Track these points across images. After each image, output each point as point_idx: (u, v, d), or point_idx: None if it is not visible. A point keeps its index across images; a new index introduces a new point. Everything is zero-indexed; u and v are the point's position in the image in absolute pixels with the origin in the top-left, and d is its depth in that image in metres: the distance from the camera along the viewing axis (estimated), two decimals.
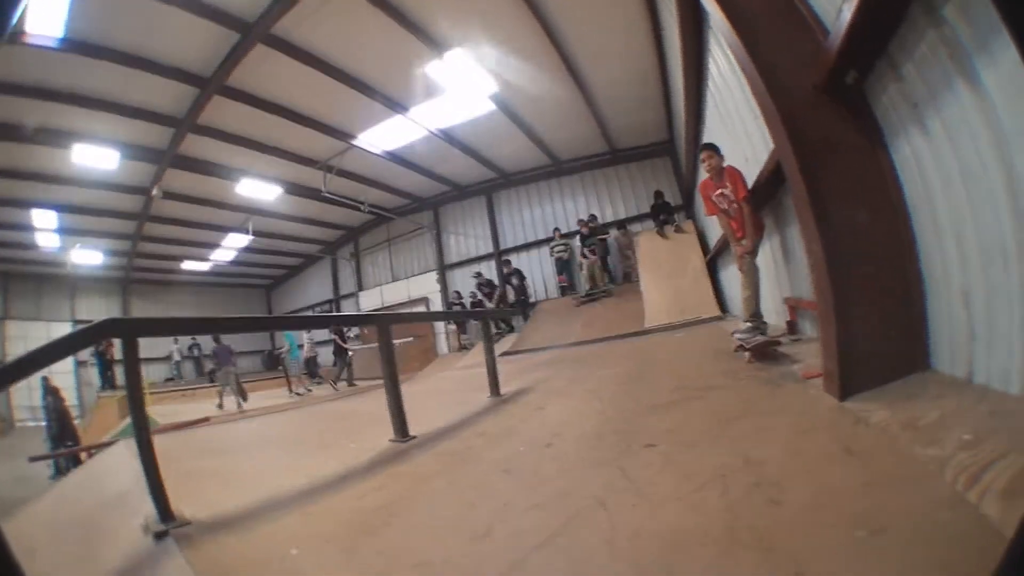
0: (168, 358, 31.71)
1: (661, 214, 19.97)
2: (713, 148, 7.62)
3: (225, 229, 27.17)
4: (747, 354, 6.67)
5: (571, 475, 3.88)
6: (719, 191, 7.49)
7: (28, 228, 22.27)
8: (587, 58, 16.14)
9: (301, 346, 22.98)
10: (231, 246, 29.46)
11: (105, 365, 24.69)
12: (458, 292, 25.27)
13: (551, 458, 4.43)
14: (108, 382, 24.48)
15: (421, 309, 28.65)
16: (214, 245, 29.18)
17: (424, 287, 29.36)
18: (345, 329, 22.63)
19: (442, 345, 27.10)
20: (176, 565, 3.21)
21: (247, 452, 7.51)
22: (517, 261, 25.75)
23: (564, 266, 23.82)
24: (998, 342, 3.22)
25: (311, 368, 23.71)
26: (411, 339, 24.42)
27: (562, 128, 21.28)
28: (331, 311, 33.82)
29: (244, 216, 25.38)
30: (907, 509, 2.42)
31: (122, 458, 6.45)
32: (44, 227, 22.41)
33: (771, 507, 2.72)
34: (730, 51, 5.99)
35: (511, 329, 22.24)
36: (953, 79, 3.19)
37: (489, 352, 8.76)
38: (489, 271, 26.48)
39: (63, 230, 22.94)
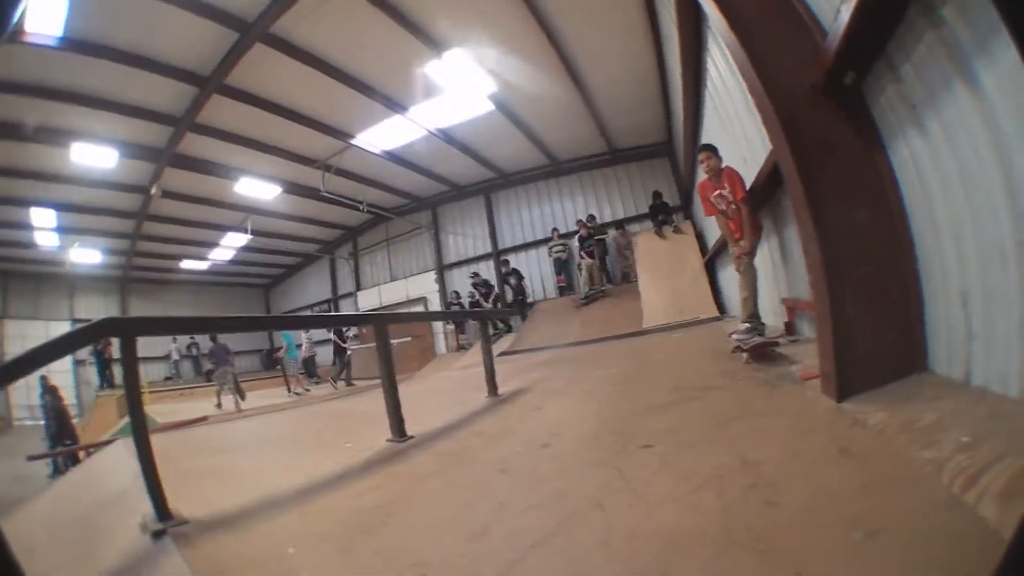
0: (167, 357, 31.68)
1: (659, 214, 20.02)
2: (711, 149, 7.63)
3: (224, 228, 27.15)
4: (745, 355, 6.68)
5: (568, 475, 3.88)
6: (717, 192, 7.50)
7: (27, 227, 22.25)
8: (586, 58, 16.14)
9: (299, 346, 22.98)
10: (230, 245, 29.44)
11: (104, 364, 24.68)
12: (456, 292, 25.25)
13: (548, 458, 4.43)
14: (107, 381, 24.47)
15: (419, 309, 28.68)
16: (213, 244, 29.15)
17: (422, 287, 29.35)
18: (344, 329, 22.60)
19: (440, 345, 27.07)
20: (174, 564, 3.21)
21: (245, 451, 7.51)
22: (515, 261, 25.70)
23: (562, 266, 23.78)
24: (996, 344, 3.22)
25: (309, 368, 23.71)
26: (409, 339, 24.39)
27: (561, 128, 21.28)
28: (329, 311, 33.79)
29: (243, 215, 25.36)
30: (904, 511, 2.42)
31: (120, 457, 6.47)
32: (43, 226, 22.39)
33: (768, 508, 2.72)
34: (728, 51, 6.00)
35: (509, 329, 22.21)
36: (952, 80, 3.18)
37: (487, 352, 8.77)
38: (488, 271, 26.47)
39: (62, 229, 22.92)
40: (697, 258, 16.98)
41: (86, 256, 26.11)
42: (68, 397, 21.48)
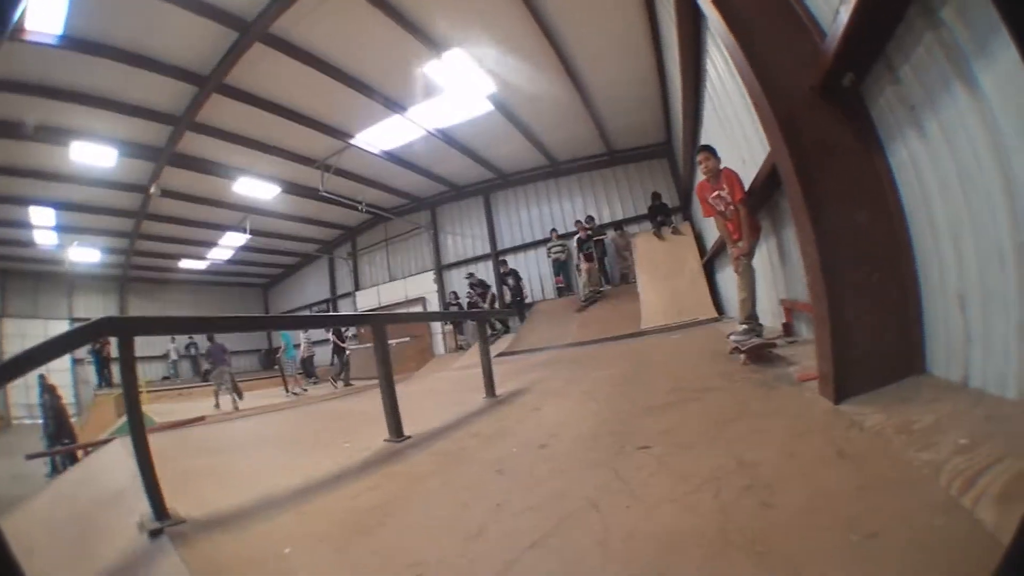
0: (165, 357, 31.72)
1: (658, 215, 20.10)
2: (710, 150, 7.64)
3: (222, 228, 27.17)
4: (742, 356, 6.68)
5: (566, 476, 3.88)
6: (716, 193, 7.50)
7: (26, 225, 22.28)
8: (585, 58, 16.15)
9: (297, 345, 23.01)
10: (228, 245, 29.47)
11: (102, 363, 24.69)
12: (455, 293, 25.27)
13: (546, 459, 4.42)
14: (105, 380, 24.47)
15: (418, 309, 28.70)
16: (211, 244, 29.17)
17: (421, 287, 29.36)
18: (343, 329, 22.60)
19: (439, 345, 27.02)
20: (171, 563, 3.21)
21: (242, 451, 7.52)
22: (514, 262, 25.72)
23: (561, 267, 23.79)
24: (994, 346, 3.21)
25: (307, 368, 23.73)
26: (408, 339, 24.40)
27: (560, 129, 21.30)
28: (328, 311, 33.81)
29: (241, 215, 25.37)
30: (901, 513, 2.41)
31: (118, 456, 6.49)
32: (42, 224, 22.42)
33: (765, 510, 2.71)
34: (727, 53, 6.00)
35: (507, 330, 22.25)
36: (951, 81, 3.18)
37: (484, 353, 8.76)
38: (486, 271, 26.55)
39: (61, 227, 22.93)
40: (696, 259, 17.01)
41: (85, 255, 26.14)
42: (66, 396, 21.47)
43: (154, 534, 3.57)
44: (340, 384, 21.15)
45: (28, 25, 11.68)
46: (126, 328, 4.15)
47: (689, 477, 3.32)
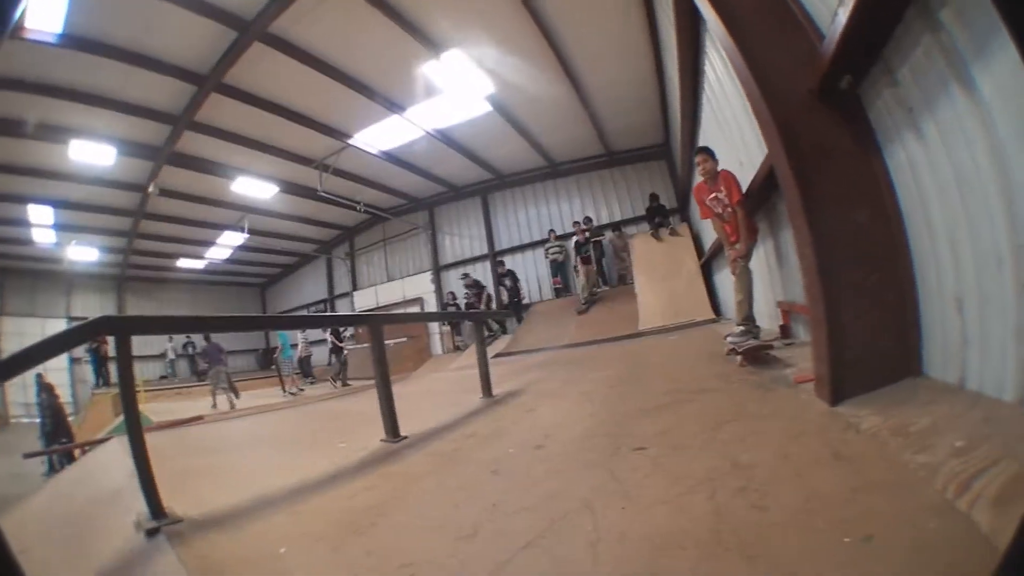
0: (162, 356, 31.73)
1: (656, 217, 20.18)
2: (708, 152, 7.64)
3: (221, 227, 27.13)
4: (739, 358, 6.69)
5: (560, 477, 3.88)
6: (713, 195, 7.50)
7: (24, 224, 22.24)
8: (584, 60, 16.14)
9: (295, 345, 23.01)
10: (226, 244, 29.42)
11: (99, 362, 24.61)
12: (452, 293, 25.18)
13: (541, 460, 4.43)
14: (102, 379, 24.42)
15: (416, 309, 28.67)
16: (209, 243, 29.13)
17: (419, 287, 29.35)
18: (341, 329, 22.59)
19: (436, 346, 26.99)
20: (167, 562, 3.22)
21: (239, 451, 7.53)
22: (512, 262, 25.72)
23: (559, 268, 23.76)
24: (991, 348, 3.22)
25: (304, 368, 23.73)
26: (405, 339, 24.44)
27: (559, 130, 21.30)
28: (326, 310, 33.75)
29: (240, 214, 25.33)
30: (896, 516, 2.41)
31: (115, 455, 6.48)
32: (40, 223, 22.38)
33: (759, 512, 2.71)
34: (725, 55, 6.01)
35: (504, 331, 22.22)
36: (949, 84, 3.18)
37: (481, 354, 8.77)
38: (484, 272, 26.56)
39: (59, 226, 22.89)
40: (693, 261, 17.03)
41: (83, 254, 26.08)
42: (64, 395, 21.44)
43: (151, 533, 3.57)
44: (339, 384, 21.12)
45: (28, 23, 11.68)
46: (123, 327, 4.16)
47: (684, 478, 3.33)
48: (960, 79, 3.08)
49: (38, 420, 19.19)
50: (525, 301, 23.96)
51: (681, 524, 2.75)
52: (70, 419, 20.02)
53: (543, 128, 21.16)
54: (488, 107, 18.26)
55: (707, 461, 3.56)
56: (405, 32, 13.79)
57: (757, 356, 6.60)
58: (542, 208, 26.30)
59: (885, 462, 2.98)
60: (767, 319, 8.57)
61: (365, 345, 17.91)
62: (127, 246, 26.97)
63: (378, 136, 19.98)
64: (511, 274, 23.66)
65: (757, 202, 7.56)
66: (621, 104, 19.28)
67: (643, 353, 10.83)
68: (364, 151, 20.85)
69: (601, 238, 22.72)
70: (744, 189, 7.26)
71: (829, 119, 4.29)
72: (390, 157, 21.81)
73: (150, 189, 20.46)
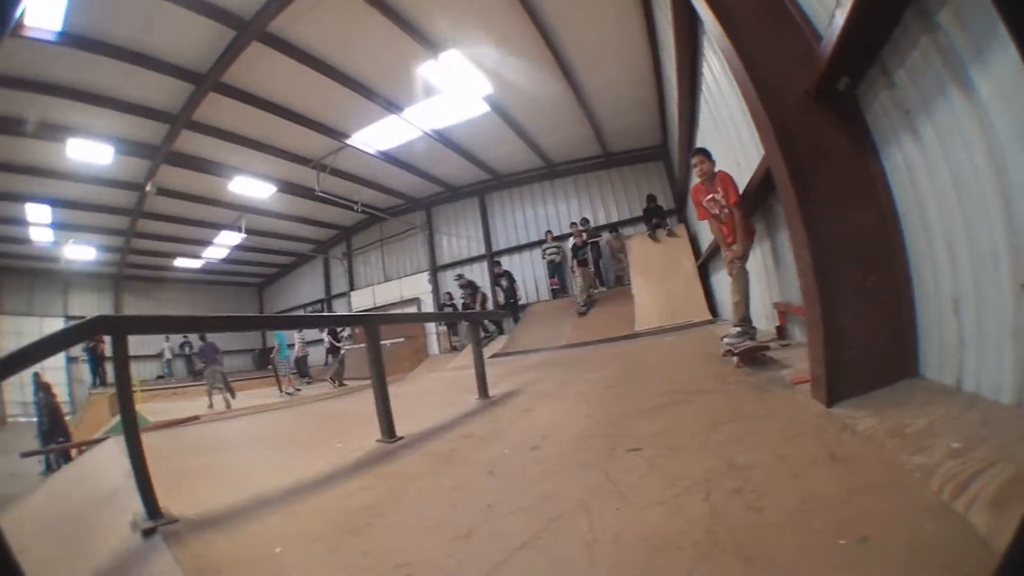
0: (159, 356, 31.69)
1: (653, 218, 20.14)
2: (705, 153, 7.62)
3: (218, 227, 27.12)
4: (736, 359, 6.70)
5: (556, 478, 3.88)
6: (710, 196, 7.49)
7: (22, 222, 22.23)
8: (582, 60, 16.15)
9: (291, 345, 22.97)
10: (224, 244, 29.42)
11: (97, 361, 24.62)
12: (450, 293, 25.13)
13: (536, 461, 4.43)
14: (99, 378, 24.44)
15: (413, 310, 28.67)
16: (207, 242, 29.11)
17: (416, 288, 29.37)
18: (339, 329, 22.57)
19: (433, 346, 26.99)
20: (163, 562, 3.23)
21: (236, 451, 7.52)
22: (509, 263, 25.72)
23: (556, 269, 23.84)
24: (988, 350, 3.22)
25: (301, 368, 23.74)
26: (402, 340, 24.46)
27: (556, 130, 21.30)
28: (323, 310, 33.78)
29: (237, 214, 25.32)
30: (892, 517, 2.41)
31: (112, 455, 6.48)
32: (38, 222, 22.38)
33: (755, 513, 2.71)
34: (722, 56, 6.01)
35: (500, 331, 22.23)
36: (946, 85, 3.19)
37: (477, 354, 8.77)
38: (481, 272, 26.60)
39: (57, 225, 22.87)
40: (690, 262, 17.06)
41: (81, 253, 26.05)
42: (61, 394, 21.42)
43: (147, 533, 3.58)
44: (337, 384, 21.09)
45: (27, 21, 11.67)
46: (120, 326, 4.16)
47: (679, 479, 3.33)
48: (958, 80, 3.08)
49: (35, 419, 19.14)
50: (522, 302, 23.92)
51: (677, 525, 2.75)
52: (67, 418, 19.98)
53: (541, 129, 21.17)
54: (486, 107, 18.26)
55: (703, 462, 3.56)
56: (403, 32, 13.80)
57: (754, 357, 6.61)
58: (539, 209, 26.30)
59: (881, 463, 2.97)
60: (764, 320, 8.57)
61: (363, 345, 17.95)
62: (124, 245, 26.95)
63: (376, 136, 19.99)
64: (507, 275, 23.55)
65: (754, 203, 7.56)
66: (619, 105, 19.30)
67: (640, 354, 10.83)
68: (362, 151, 20.84)
69: (598, 239, 22.71)
70: (741, 190, 7.25)
71: (826, 121, 4.30)
72: (388, 157, 21.81)
73: (148, 188, 20.48)
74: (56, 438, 17.29)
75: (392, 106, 17.87)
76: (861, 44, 3.69)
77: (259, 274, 38.12)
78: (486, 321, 21.17)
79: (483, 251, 27.35)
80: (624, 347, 12.69)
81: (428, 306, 28.29)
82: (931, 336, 3.86)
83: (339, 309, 32.96)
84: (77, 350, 24.47)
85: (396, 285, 30.33)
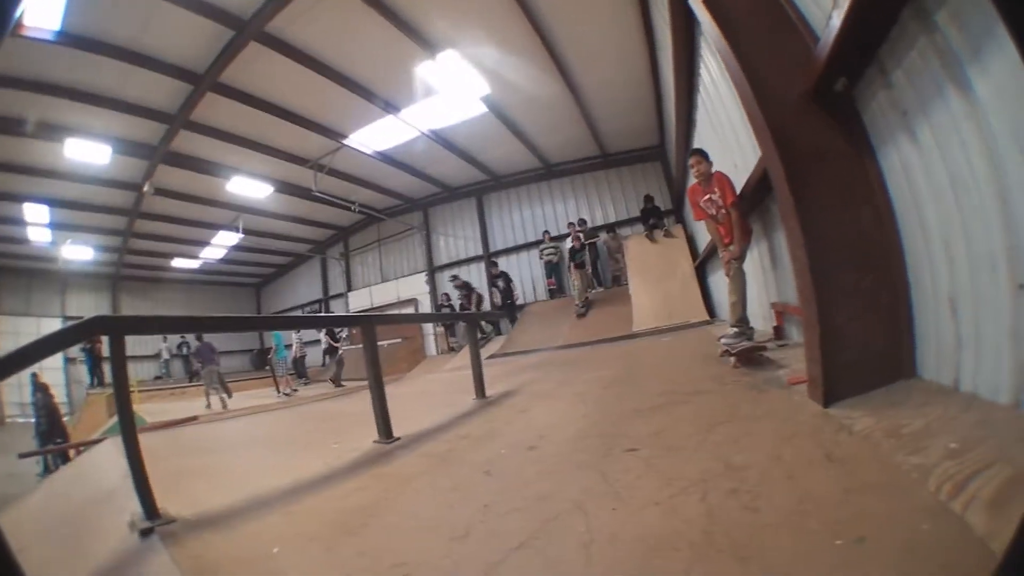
0: (157, 356, 31.63)
1: (651, 218, 20.12)
2: (702, 153, 7.61)
3: (215, 227, 27.12)
4: (733, 359, 6.70)
5: (553, 478, 3.88)
6: (707, 196, 7.49)
7: (20, 222, 22.22)
8: (579, 60, 16.17)
9: (289, 346, 22.93)
10: (221, 244, 29.43)
11: (94, 362, 24.56)
12: (447, 294, 25.21)
13: (533, 461, 4.43)
14: (97, 379, 24.39)
15: (410, 310, 28.70)
16: (204, 243, 29.12)
17: (413, 288, 29.37)
18: (337, 329, 22.58)
19: (431, 347, 26.99)
20: (161, 562, 3.23)
21: (233, 451, 7.53)
22: (507, 263, 25.80)
23: (553, 269, 23.91)
24: (985, 350, 3.22)
25: (299, 368, 23.74)
26: (399, 340, 24.44)
27: (554, 131, 21.34)
28: (320, 311, 33.81)
29: (234, 214, 25.33)
30: (889, 518, 2.40)
31: (110, 456, 6.49)
32: (35, 221, 22.39)
33: (751, 513, 2.71)
34: (719, 56, 6.01)
35: (498, 332, 22.24)
36: (944, 86, 3.18)
37: (474, 355, 8.78)
38: (479, 273, 26.69)
39: (54, 225, 22.88)
40: (688, 262, 17.07)
41: (78, 253, 26.05)
42: (59, 395, 21.44)
43: (145, 533, 3.58)
44: (336, 384, 21.08)
45: (26, 20, 11.67)
46: (117, 327, 4.16)
47: (676, 480, 3.33)
48: (955, 81, 3.08)
49: (33, 420, 19.16)
50: (519, 302, 23.92)
51: (673, 525, 2.75)
52: (65, 419, 19.98)
53: (538, 129, 21.20)
54: (483, 108, 18.29)
55: (699, 462, 3.55)
56: (401, 32, 13.81)
57: (751, 357, 6.61)
58: (537, 209, 26.33)
59: (878, 464, 2.97)
60: (761, 320, 8.57)
61: (360, 346, 17.93)
62: (122, 245, 26.95)
63: (373, 136, 20.00)
64: (504, 275, 23.67)
65: (751, 204, 7.57)
66: (616, 105, 19.33)
67: (637, 354, 10.84)
68: (359, 151, 20.86)
69: (596, 240, 22.75)
70: (738, 191, 7.25)
71: (823, 121, 4.30)
72: (385, 157, 21.82)
73: (145, 188, 20.48)
74: (54, 439, 17.30)
75: (390, 106, 17.87)
76: (858, 45, 3.69)
77: (256, 274, 38.13)
78: (483, 322, 21.20)
79: (480, 251, 27.35)
80: (622, 347, 12.71)
81: (425, 307, 28.31)
82: (928, 336, 3.85)
83: (336, 310, 33.02)
84: (75, 350, 24.40)
85: (393, 286, 30.35)
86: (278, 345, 21.94)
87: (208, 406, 18.13)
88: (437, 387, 12.32)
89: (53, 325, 23.48)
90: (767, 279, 8.41)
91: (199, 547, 3.41)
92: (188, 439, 9.15)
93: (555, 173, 25.60)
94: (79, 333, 4.16)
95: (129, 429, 3.96)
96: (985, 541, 2.04)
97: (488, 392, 8.34)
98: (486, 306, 23.32)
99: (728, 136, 8.54)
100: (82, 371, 25.52)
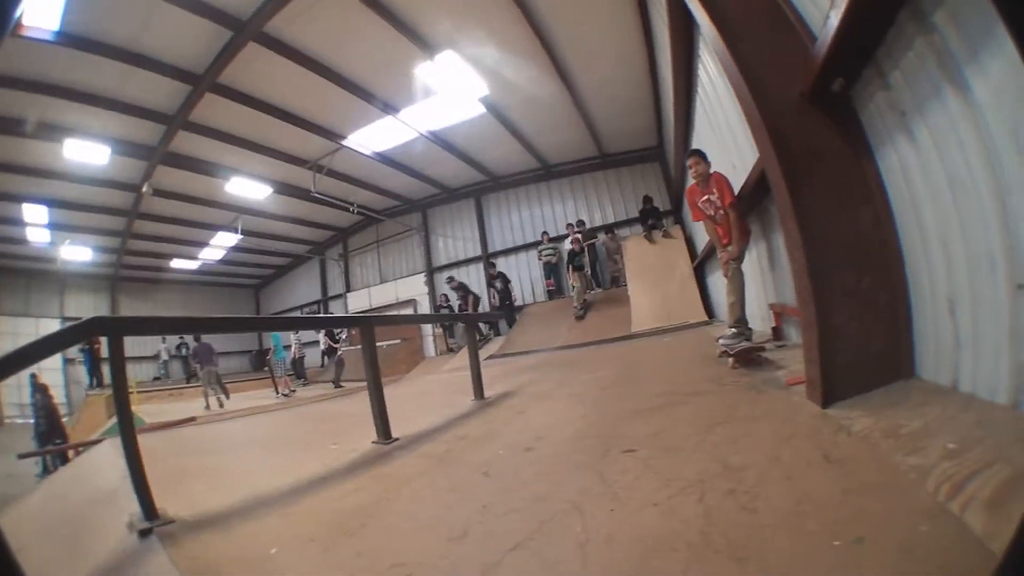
0: (156, 357, 31.62)
1: (649, 219, 20.16)
2: (700, 154, 7.61)
3: (214, 228, 27.11)
4: (731, 360, 6.70)
5: (550, 479, 3.88)
6: (705, 197, 7.49)
7: (18, 223, 22.21)
8: (579, 61, 16.18)
9: (288, 347, 22.91)
10: (220, 245, 29.41)
11: (93, 363, 24.53)
12: (446, 295, 25.11)
13: (531, 462, 4.43)
14: (96, 380, 24.36)
15: (409, 311, 28.65)
16: (203, 244, 29.11)
17: (412, 289, 29.38)
18: (336, 330, 22.58)
19: (429, 348, 26.96)
20: (159, 562, 3.23)
21: (232, 452, 7.54)
22: (505, 264, 25.85)
23: (552, 270, 23.96)
24: (984, 350, 3.21)
25: (298, 369, 23.72)
26: (398, 341, 24.43)
27: (553, 132, 21.36)
28: (319, 312, 33.83)
29: (233, 215, 25.31)
30: (887, 518, 2.40)
31: (109, 456, 6.49)
32: (34, 222, 22.37)
33: (749, 514, 2.71)
34: (717, 58, 6.01)
35: (497, 332, 22.24)
36: (941, 87, 3.18)
37: (473, 356, 8.79)
38: (477, 274, 26.73)
39: (53, 225, 22.87)
40: (686, 263, 17.11)
41: (77, 253, 26.05)
42: (58, 396, 21.44)
43: (143, 534, 3.59)
44: (336, 385, 21.07)
45: (25, 20, 11.67)
46: (116, 328, 4.16)
47: (673, 481, 3.33)
48: (953, 81, 3.07)
49: (32, 421, 19.16)
50: (518, 303, 23.95)
51: (671, 526, 2.75)
52: (64, 420, 19.98)
53: (537, 130, 21.22)
54: (482, 109, 18.30)
55: (697, 463, 3.56)
56: (400, 33, 13.82)
57: (749, 358, 6.62)
58: (535, 210, 26.35)
59: (876, 464, 2.97)
60: (759, 321, 8.59)
61: (359, 347, 17.94)
62: (121, 246, 26.94)
63: (372, 137, 20.01)
64: (502, 276, 23.68)
65: (749, 205, 7.57)
66: (615, 106, 19.35)
67: (636, 355, 10.85)
68: (358, 152, 20.87)
69: (594, 241, 22.78)
70: (736, 192, 7.26)
71: (820, 122, 4.30)
72: (384, 158, 21.83)
73: (144, 189, 20.44)
74: (53, 439, 17.28)
75: (388, 107, 17.87)
76: (856, 45, 3.68)
77: (255, 275, 38.14)
78: (480, 324, 21.19)
79: (479, 252, 27.36)
80: (620, 348, 12.73)
81: (424, 308, 28.27)
82: (927, 337, 3.85)
83: (335, 311, 32.97)
84: (74, 351, 24.42)
85: (392, 287, 30.36)
86: (277, 346, 21.92)
87: (207, 407, 18.12)
88: (436, 388, 12.33)
89: (52, 326, 23.52)
90: (765, 280, 8.41)
91: (197, 548, 3.41)
92: (187, 440, 9.16)
93: (554, 174, 25.63)
94: (78, 334, 4.16)
95: (128, 430, 3.96)
96: (983, 542, 2.04)
97: (487, 393, 8.35)
98: (483, 307, 23.28)
99: (726, 137, 8.54)
100: (81, 372, 25.51)
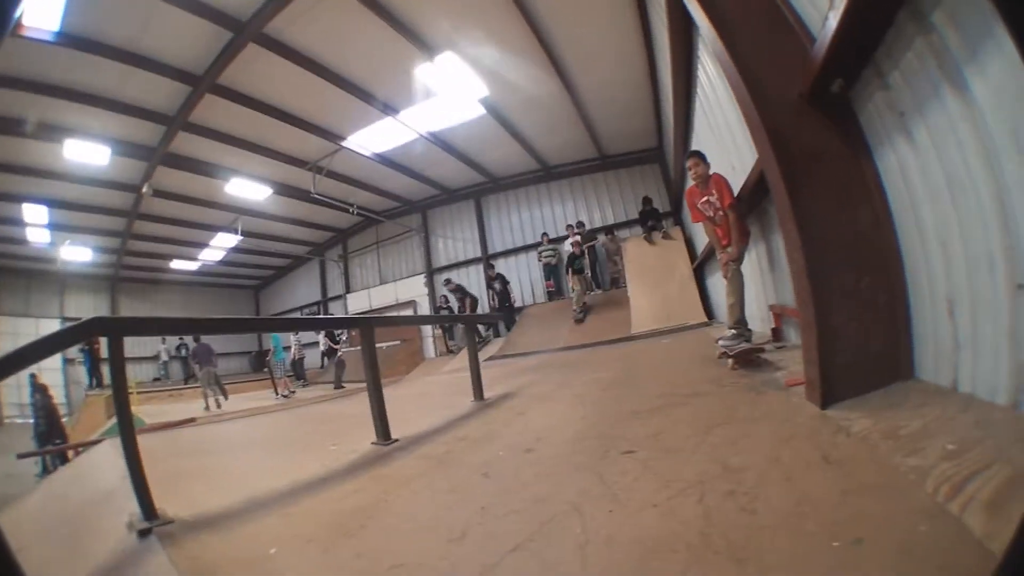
0: (156, 358, 31.63)
1: (649, 220, 20.19)
2: (700, 155, 7.61)
3: (214, 228, 27.09)
4: (731, 361, 6.70)
5: (549, 480, 3.88)
6: (705, 198, 7.50)
7: (18, 223, 22.21)
8: (578, 63, 16.18)
9: (287, 348, 22.89)
10: (220, 246, 29.39)
11: (93, 363, 24.51)
12: (445, 296, 25.05)
13: (531, 463, 4.43)
14: (96, 380, 24.36)
15: (409, 312, 28.60)
16: (203, 244, 29.09)
17: (412, 290, 29.35)
18: (337, 332, 22.57)
19: (429, 349, 26.96)
20: (158, 563, 3.23)
21: (231, 453, 7.55)
22: (505, 265, 25.88)
23: (552, 271, 23.94)
24: (983, 351, 3.21)
25: (297, 370, 23.72)
26: (398, 342, 24.41)
27: (552, 133, 21.36)
28: (319, 313, 33.81)
29: (233, 216, 25.28)
30: (886, 519, 2.40)
31: (108, 457, 6.50)
32: (34, 222, 22.37)
33: (748, 515, 2.71)
34: (716, 59, 6.01)
35: (497, 333, 22.23)
36: (940, 87, 3.18)
37: (473, 357, 8.81)
38: (477, 275, 26.74)
39: (53, 226, 22.87)
40: (686, 264, 17.13)
41: (77, 254, 26.04)
42: (58, 396, 21.43)
43: (143, 534, 3.59)
44: (336, 386, 21.06)
45: (25, 21, 11.66)
46: (116, 328, 4.16)
47: (673, 482, 3.33)
48: (952, 81, 3.07)
49: (32, 421, 19.15)
50: (517, 304, 23.98)
51: (671, 527, 2.75)
52: (64, 420, 19.97)
53: (537, 131, 21.22)
54: (482, 110, 18.29)
55: (697, 464, 3.55)
56: (399, 34, 13.82)
57: (749, 359, 6.62)
58: (535, 211, 26.35)
59: (875, 465, 2.96)
60: (759, 322, 8.59)
61: (358, 348, 17.92)
62: (121, 247, 26.95)
63: (372, 138, 19.99)
64: (500, 277, 23.69)
65: (749, 206, 7.58)
66: (615, 107, 19.34)
67: (635, 356, 10.85)
68: (358, 153, 20.86)
69: (594, 242, 22.79)
70: (736, 193, 7.26)
71: (819, 123, 4.29)
72: (383, 159, 21.82)
73: (144, 189, 20.42)
74: (53, 440, 17.27)
75: (388, 108, 17.86)
76: (855, 46, 3.68)
77: (255, 276, 38.15)
78: (479, 326, 21.20)
79: (479, 253, 27.35)
80: (620, 349, 12.72)
81: (424, 309, 28.28)
82: (926, 338, 3.85)
83: (335, 312, 32.97)
84: (74, 351, 24.45)
85: (392, 288, 30.33)
86: (276, 347, 21.90)
87: (207, 408, 18.11)
88: (436, 389, 12.34)
89: (52, 326, 23.50)
90: (765, 281, 8.41)
91: (197, 548, 3.41)
92: (186, 440, 9.18)
93: (553, 175, 25.63)
94: (78, 334, 4.16)
95: (128, 430, 3.96)
96: (983, 542, 2.03)
97: (486, 394, 8.36)
98: (481, 309, 23.27)
99: (726, 138, 8.54)
100: (81, 372, 25.51)
